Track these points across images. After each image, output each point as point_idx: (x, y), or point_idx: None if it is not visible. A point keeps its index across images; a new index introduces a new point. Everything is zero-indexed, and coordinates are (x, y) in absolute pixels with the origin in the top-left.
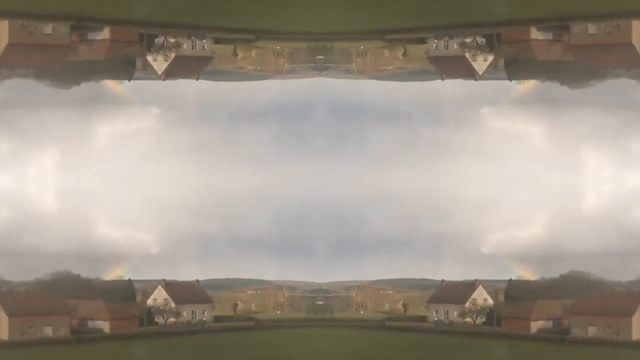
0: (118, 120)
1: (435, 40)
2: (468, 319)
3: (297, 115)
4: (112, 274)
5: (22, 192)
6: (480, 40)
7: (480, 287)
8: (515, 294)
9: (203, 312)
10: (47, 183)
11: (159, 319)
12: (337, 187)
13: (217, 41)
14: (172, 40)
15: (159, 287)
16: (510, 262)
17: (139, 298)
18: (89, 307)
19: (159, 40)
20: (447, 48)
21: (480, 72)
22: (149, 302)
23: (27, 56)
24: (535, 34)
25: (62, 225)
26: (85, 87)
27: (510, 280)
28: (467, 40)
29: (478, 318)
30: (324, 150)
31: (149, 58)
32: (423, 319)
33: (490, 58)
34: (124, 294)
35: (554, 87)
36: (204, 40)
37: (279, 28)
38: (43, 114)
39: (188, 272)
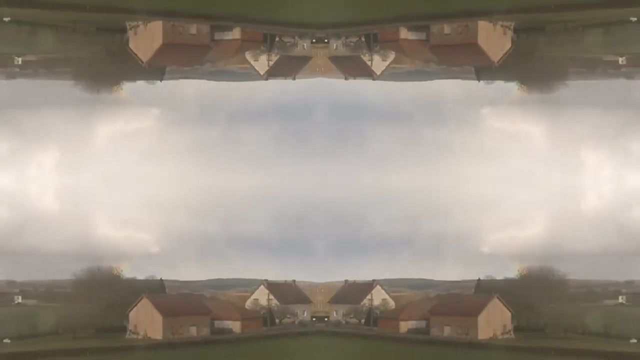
0: (118, 120)
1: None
2: (353, 320)
3: (297, 115)
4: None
5: (22, 192)
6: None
7: (378, 287)
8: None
9: (304, 312)
10: (47, 183)
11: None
12: (337, 187)
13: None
14: (287, 40)
15: (262, 287)
16: (511, 262)
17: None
18: (217, 307)
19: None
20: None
21: (378, 72)
22: (249, 302)
23: (175, 56)
24: (405, 33)
25: (62, 225)
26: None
27: (479, 280)
28: (354, 39)
29: (362, 319)
30: (324, 150)
31: (248, 56)
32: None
33: (392, 57)
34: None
35: (554, 87)
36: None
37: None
38: (43, 114)
39: (188, 272)
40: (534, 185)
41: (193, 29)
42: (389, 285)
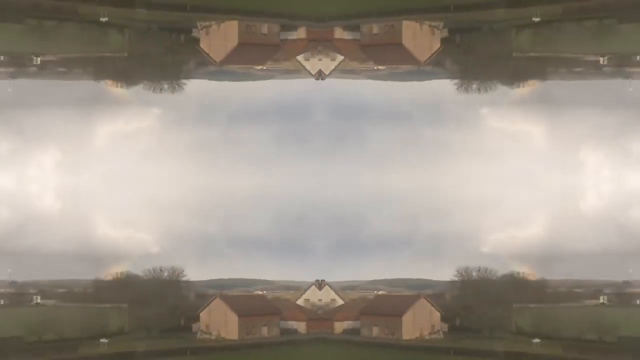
0: (118, 120)
1: None
2: None
3: (297, 115)
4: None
5: (23, 192)
6: None
7: (327, 287)
8: (463, 295)
9: None
10: (47, 183)
11: None
12: (337, 187)
13: None
14: None
15: (313, 287)
16: (510, 262)
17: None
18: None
19: None
20: None
21: (327, 72)
22: (301, 301)
23: (248, 55)
24: (340, 33)
25: (63, 225)
26: (86, 87)
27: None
28: None
29: None
30: (324, 150)
31: (300, 58)
32: None
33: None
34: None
35: (554, 87)
36: None
37: None
38: (43, 114)
39: (188, 272)
40: (534, 185)
41: (264, 28)
42: (388, 285)
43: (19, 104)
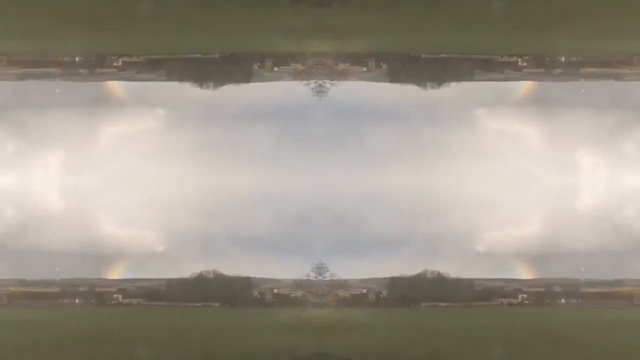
0: (122, 121)
1: None
2: None
3: (298, 116)
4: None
5: (27, 192)
6: None
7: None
8: (399, 291)
9: None
10: (51, 183)
11: None
12: (336, 187)
13: None
14: None
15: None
16: (507, 261)
17: None
18: None
19: None
20: None
21: None
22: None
23: None
24: None
25: (66, 224)
26: (89, 88)
27: (393, 277)
28: None
29: None
30: (324, 150)
31: None
32: None
33: None
34: None
35: (551, 89)
36: None
37: None
38: (47, 115)
39: (192, 271)
40: (530, 185)
41: None
42: (380, 283)
43: (22, 105)
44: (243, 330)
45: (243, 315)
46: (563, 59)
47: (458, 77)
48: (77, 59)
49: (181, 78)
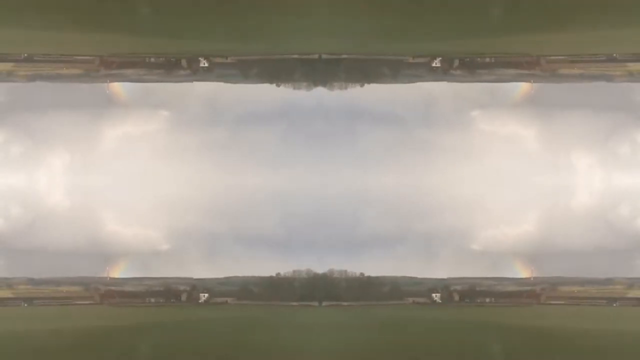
0: (127, 122)
1: None
2: None
3: (300, 117)
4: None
5: (33, 192)
6: None
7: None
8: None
9: None
10: (57, 183)
11: None
12: (334, 187)
13: None
14: None
15: None
16: (501, 260)
17: None
18: None
19: None
20: None
21: None
22: None
23: None
24: None
25: (72, 224)
26: (93, 90)
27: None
28: None
29: None
30: (320, 150)
31: None
32: None
33: None
34: None
35: (547, 90)
36: None
37: None
38: (52, 116)
39: (197, 269)
40: (527, 185)
41: None
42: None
43: (27, 107)
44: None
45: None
46: (478, 59)
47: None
48: (161, 59)
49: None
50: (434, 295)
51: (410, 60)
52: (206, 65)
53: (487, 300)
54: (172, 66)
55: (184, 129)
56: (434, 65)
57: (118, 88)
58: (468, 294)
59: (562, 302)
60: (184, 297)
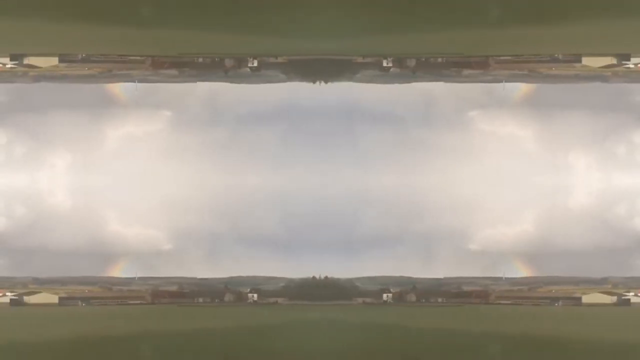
0: (129, 122)
1: None
2: None
3: (301, 118)
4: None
5: (36, 192)
6: None
7: None
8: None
9: None
10: (59, 183)
11: None
12: (332, 187)
13: None
14: None
15: None
16: (499, 259)
17: None
18: None
19: None
20: None
21: None
22: None
23: None
24: None
25: (74, 223)
26: (95, 90)
27: (314, 277)
28: None
29: None
30: (319, 151)
31: None
32: None
33: None
34: None
35: (546, 91)
36: None
37: None
38: (54, 117)
39: (199, 270)
40: (524, 185)
41: None
42: (368, 282)
43: (29, 108)
44: None
45: None
46: (424, 59)
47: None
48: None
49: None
50: (385, 295)
51: (360, 60)
52: (255, 65)
53: (440, 300)
54: (217, 66)
55: (189, 128)
56: (384, 65)
57: (118, 89)
58: (424, 294)
59: (509, 302)
60: (229, 297)
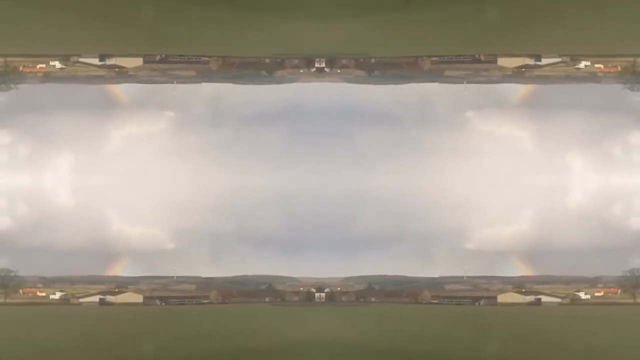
0: (132, 123)
1: None
2: None
3: (302, 119)
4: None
5: (39, 192)
6: None
7: None
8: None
9: None
10: (63, 183)
11: None
12: (329, 187)
13: None
14: None
15: None
16: (496, 259)
17: None
18: None
19: None
20: None
21: None
22: None
23: None
24: None
25: (78, 223)
26: (98, 91)
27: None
28: None
29: None
30: (319, 150)
31: None
32: None
33: None
34: None
35: (543, 92)
36: None
37: None
38: (57, 117)
39: (202, 269)
40: (521, 185)
41: None
42: (364, 281)
43: (33, 109)
44: None
45: None
46: (373, 60)
47: None
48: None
49: None
50: (317, 295)
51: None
52: (323, 65)
53: (373, 299)
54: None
55: (198, 128)
56: (317, 65)
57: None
58: (362, 294)
59: (436, 302)
60: (291, 297)
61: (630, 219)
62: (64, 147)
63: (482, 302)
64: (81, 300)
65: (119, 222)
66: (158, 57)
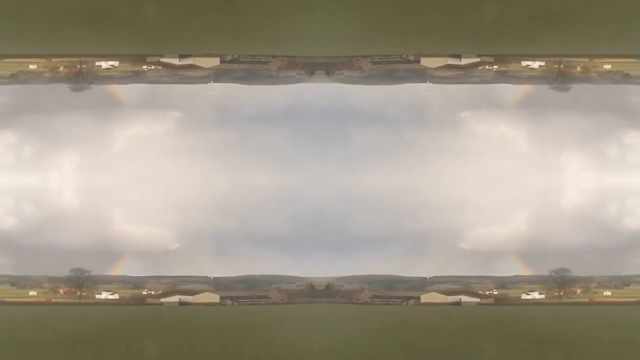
0: (137, 123)
1: None
2: None
3: (303, 119)
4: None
5: (45, 192)
6: None
7: None
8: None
9: None
10: (68, 183)
11: None
12: (328, 187)
13: None
14: None
15: None
16: (492, 258)
17: None
18: None
19: None
20: None
21: None
22: None
23: None
24: None
25: (82, 222)
26: (102, 92)
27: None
28: None
29: None
30: (317, 151)
31: None
32: None
33: None
34: None
35: (539, 93)
36: None
37: None
38: (62, 118)
39: (207, 269)
40: (517, 185)
41: None
42: (362, 281)
43: (37, 109)
44: None
45: None
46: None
47: None
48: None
49: None
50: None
51: None
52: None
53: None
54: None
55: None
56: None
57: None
58: (325, 292)
59: (367, 302)
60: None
61: (624, 218)
62: (70, 147)
63: (410, 302)
64: (162, 300)
65: (124, 222)
66: (229, 57)
